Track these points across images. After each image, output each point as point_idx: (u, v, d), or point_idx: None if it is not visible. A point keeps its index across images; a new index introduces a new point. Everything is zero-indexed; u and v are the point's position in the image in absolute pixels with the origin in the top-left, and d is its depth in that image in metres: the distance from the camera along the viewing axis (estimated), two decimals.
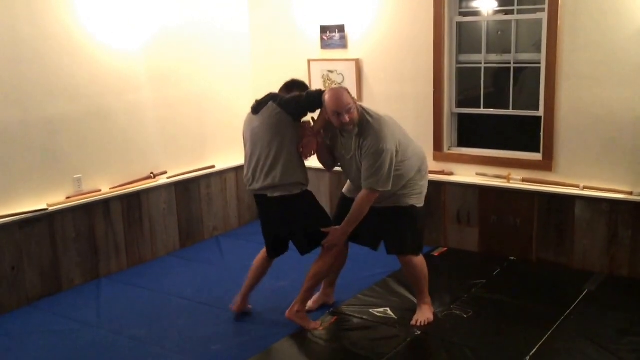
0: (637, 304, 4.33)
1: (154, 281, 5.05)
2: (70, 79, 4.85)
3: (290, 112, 3.90)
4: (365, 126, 3.81)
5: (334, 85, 5.83)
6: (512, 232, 5.21)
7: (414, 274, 4.15)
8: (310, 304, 4.36)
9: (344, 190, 4.29)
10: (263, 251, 4.32)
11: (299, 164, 3.98)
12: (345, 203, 4.15)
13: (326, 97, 3.82)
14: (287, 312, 4.12)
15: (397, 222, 4.03)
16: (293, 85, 4.13)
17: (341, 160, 4.08)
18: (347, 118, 3.76)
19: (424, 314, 4.14)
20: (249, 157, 4.09)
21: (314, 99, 3.90)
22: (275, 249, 4.25)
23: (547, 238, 5.07)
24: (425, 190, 4.12)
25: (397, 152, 3.84)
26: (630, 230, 4.71)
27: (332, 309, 4.37)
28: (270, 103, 3.95)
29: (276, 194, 3.96)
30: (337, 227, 4.01)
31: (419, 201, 4.06)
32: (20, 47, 4.54)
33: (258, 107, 4.03)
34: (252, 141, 4.05)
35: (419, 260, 4.13)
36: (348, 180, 4.22)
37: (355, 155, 3.90)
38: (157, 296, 4.78)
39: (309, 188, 4.09)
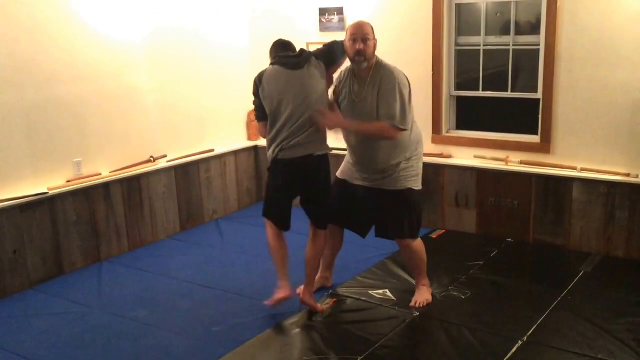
0: (633, 285, 4.38)
1: (155, 264, 5.09)
2: (69, 63, 4.85)
3: (332, 61, 3.97)
4: (380, 69, 3.85)
5: None
6: (509, 214, 5.24)
7: (413, 258, 4.18)
8: None
9: (338, 173, 4.29)
10: (271, 233, 4.14)
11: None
12: (342, 188, 4.17)
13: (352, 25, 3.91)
14: (302, 296, 4.12)
15: (393, 206, 4.02)
16: (286, 47, 4.05)
17: (347, 109, 3.98)
18: (360, 46, 3.79)
19: (423, 295, 4.18)
20: (289, 117, 3.86)
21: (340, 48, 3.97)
22: (288, 220, 4.14)
23: (544, 220, 5.11)
24: (421, 172, 4.12)
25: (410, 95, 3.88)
26: (626, 211, 4.75)
27: (331, 291, 4.41)
28: (313, 58, 3.92)
29: (300, 154, 3.88)
30: (336, 113, 3.95)
31: (416, 184, 4.05)
32: (19, 30, 4.53)
33: (300, 62, 3.90)
34: (299, 98, 3.85)
35: (418, 243, 4.15)
36: (345, 160, 4.23)
37: (367, 99, 3.85)
38: (158, 279, 4.82)
39: None
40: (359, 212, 4.18)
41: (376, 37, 3.90)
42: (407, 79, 3.90)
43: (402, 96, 3.79)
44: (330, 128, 3.97)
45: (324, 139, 3.98)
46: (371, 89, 3.84)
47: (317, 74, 3.92)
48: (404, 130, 3.82)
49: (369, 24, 3.89)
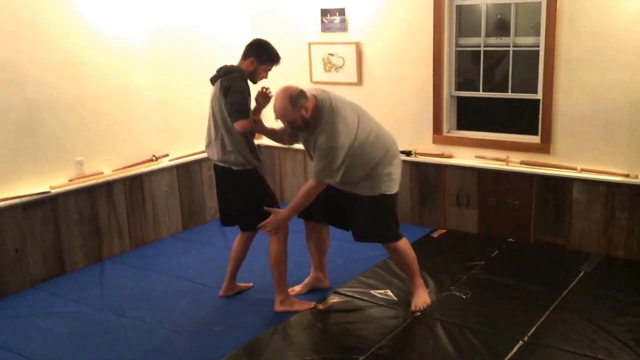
0: (632, 285, 4.39)
1: (157, 263, 5.10)
2: (72, 62, 4.86)
3: (227, 106, 3.97)
4: (320, 122, 3.79)
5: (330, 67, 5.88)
6: (510, 214, 5.26)
7: (401, 259, 4.16)
8: (298, 288, 4.42)
9: None
10: (240, 233, 4.39)
11: (236, 144, 4.02)
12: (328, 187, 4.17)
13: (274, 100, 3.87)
14: (274, 307, 4.18)
15: (367, 211, 3.99)
16: (250, 53, 4.14)
17: (304, 146, 4.09)
18: (285, 124, 3.90)
19: (421, 298, 4.15)
20: (207, 125, 4.21)
21: (238, 114, 3.94)
22: (226, 218, 4.34)
23: (545, 220, 5.12)
24: (396, 176, 4.05)
25: (354, 144, 3.81)
26: (626, 211, 4.76)
27: (333, 290, 4.42)
28: (219, 81, 4.05)
29: (220, 164, 4.14)
30: (280, 210, 4.03)
31: (389, 188, 4.00)
32: (21, 30, 4.54)
33: (214, 79, 4.13)
34: (209, 110, 4.18)
35: (402, 244, 4.11)
36: None
37: (309, 143, 3.91)
38: (159, 278, 4.83)
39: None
40: (342, 212, 4.18)
41: (305, 104, 3.75)
42: (346, 129, 3.79)
43: (333, 158, 3.76)
44: (276, 228, 4.03)
45: (225, 158, 4.08)
46: (312, 135, 3.86)
47: (213, 98, 4.11)
48: (320, 181, 3.85)
49: (286, 103, 3.74)
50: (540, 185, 5.08)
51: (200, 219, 5.99)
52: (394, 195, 4.07)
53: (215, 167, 4.23)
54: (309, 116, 3.79)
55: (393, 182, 4.01)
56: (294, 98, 3.74)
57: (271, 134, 4.30)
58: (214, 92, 4.08)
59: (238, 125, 3.92)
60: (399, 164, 4.09)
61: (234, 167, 4.08)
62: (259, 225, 4.02)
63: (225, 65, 4.14)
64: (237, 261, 4.39)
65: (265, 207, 4.03)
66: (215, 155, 4.14)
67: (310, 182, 3.89)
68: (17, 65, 4.55)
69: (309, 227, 4.34)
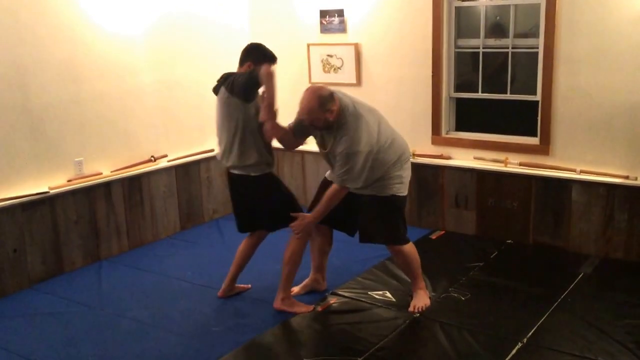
0: (632, 287, 4.38)
1: (155, 263, 5.10)
2: (71, 63, 4.86)
3: (237, 95, 3.93)
4: (343, 125, 3.81)
5: (332, 69, 5.87)
6: (509, 215, 5.25)
7: (405, 262, 4.16)
8: (296, 289, 4.41)
9: (326, 174, 4.28)
10: (248, 237, 4.38)
11: (255, 146, 4.01)
12: (326, 186, 4.16)
13: (302, 96, 3.84)
14: (273, 303, 4.18)
15: (378, 212, 4.01)
16: (247, 57, 4.15)
17: (320, 151, 4.10)
18: (306, 122, 3.88)
19: (421, 300, 4.16)
20: (217, 135, 4.17)
21: (251, 83, 3.89)
22: (245, 224, 4.32)
23: (544, 221, 5.12)
24: (406, 180, 4.08)
25: (374, 149, 3.84)
26: (625, 213, 4.76)
27: (331, 292, 4.42)
28: (222, 87, 4.02)
29: (236, 172, 4.11)
30: (306, 214, 4.05)
31: (400, 190, 4.02)
32: (21, 31, 4.53)
33: (216, 88, 4.11)
34: (217, 121, 4.13)
35: (408, 247, 4.12)
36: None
37: (329, 148, 3.92)
38: (157, 278, 4.82)
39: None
40: (345, 215, 4.18)
41: (332, 107, 3.76)
42: (368, 134, 3.82)
43: (354, 163, 3.79)
44: (304, 231, 4.07)
45: (242, 163, 4.06)
46: (334, 140, 3.87)
47: (220, 104, 4.06)
48: (343, 186, 3.87)
49: (315, 104, 3.74)
50: (539, 187, 5.08)
51: (198, 219, 5.99)
52: (404, 198, 4.09)
53: (232, 175, 4.17)
54: (332, 119, 3.80)
55: (403, 185, 4.04)
56: (323, 100, 3.76)
57: (283, 136, 4.19)
58: (221, 99, 4.04)
59: (264, 69, 3.83)
60: (410, 167, 4.12)
61: (252, 174, 4.05)
62: (291, 225, 4.04)
63: (225, 74, 4.12)
64: (241, 263, 4.38)
65: (291, 213, 4.05)
66: (232, 163, 4.08)
67: (334, 186, 3.91)
68: (17, 66, 4.54)
69: (314, 228, 4.33)
